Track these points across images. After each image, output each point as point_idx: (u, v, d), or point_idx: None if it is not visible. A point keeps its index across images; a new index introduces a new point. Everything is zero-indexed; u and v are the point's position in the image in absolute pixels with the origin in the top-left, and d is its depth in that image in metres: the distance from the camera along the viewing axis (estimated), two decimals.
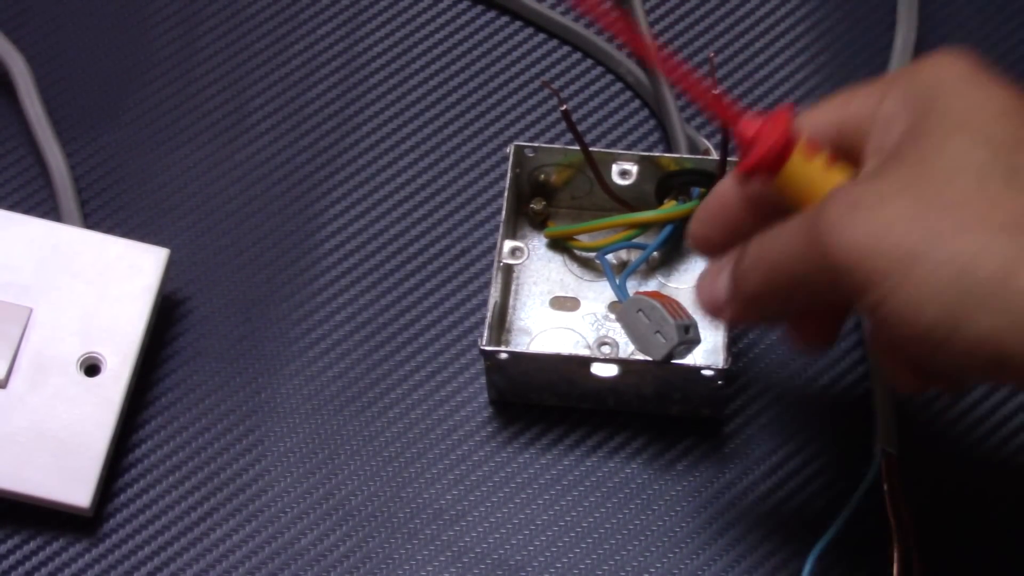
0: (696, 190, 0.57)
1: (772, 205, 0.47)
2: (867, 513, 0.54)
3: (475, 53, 0.65)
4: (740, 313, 0.48)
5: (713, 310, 0.48)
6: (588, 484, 0.56)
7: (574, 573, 0.55)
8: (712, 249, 0.50)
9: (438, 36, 0.65)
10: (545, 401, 0.57)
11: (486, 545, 0.55)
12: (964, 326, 0.41)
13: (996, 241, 0.41)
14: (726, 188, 0.49)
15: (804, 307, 0.47)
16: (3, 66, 0.63)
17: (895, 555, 0.52)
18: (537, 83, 0.64)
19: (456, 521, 0.56)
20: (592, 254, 0.59)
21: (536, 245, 0.60)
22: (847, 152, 0.46)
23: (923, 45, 0.64)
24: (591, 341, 0.57)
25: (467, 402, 0.58)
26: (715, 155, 0.59)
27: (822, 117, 0.46)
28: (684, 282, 0.58)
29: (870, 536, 0.54)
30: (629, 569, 0.55)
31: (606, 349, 0.57)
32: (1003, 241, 0.41)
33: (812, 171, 0.45)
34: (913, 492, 0.53)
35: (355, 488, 0.57)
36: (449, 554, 0.55)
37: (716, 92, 0.48)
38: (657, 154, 0.57)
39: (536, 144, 0.58)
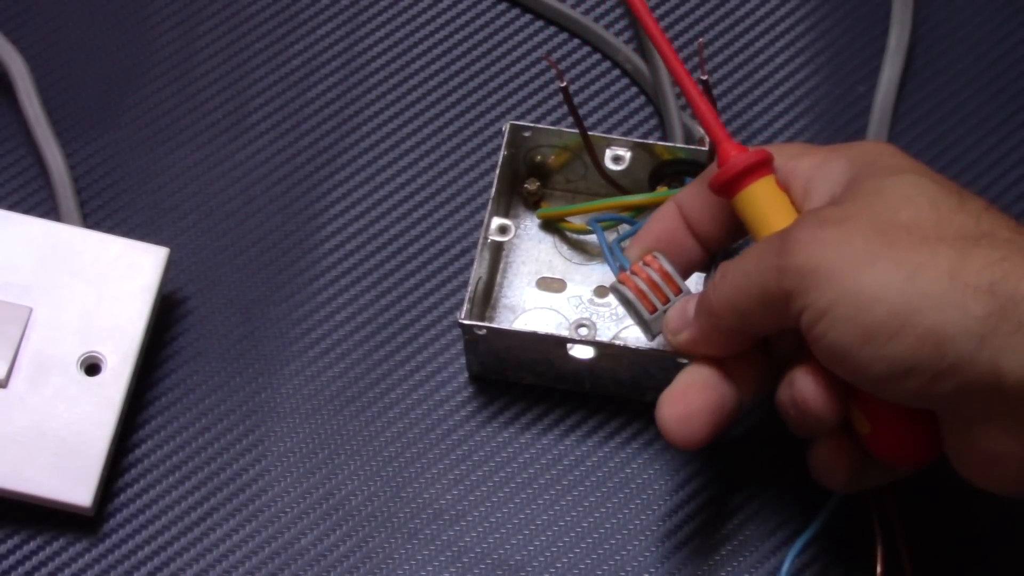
0: (688, 179, 0.57)
1: (707, 229, 0.53)
2: (851, 506, 0.54)
3: (478, 51, 0.65)
4: (702, 327, 0.50)
5: (677, 328, 0.51)
6: (588, 484, 0.56)
7: (574, 573, 0.55)
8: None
9: (439, 36, 0.65)
10: (524, 380, 0.57)
11: (486, 545, 0.55)
12: (912, 321, 0.44)
13: (946, 250, 0.44)
14: (667, 211, 0.53)
15: (757, 328, 0.49)
16: (3, 66, 0.62)
17: (879, 548, 0.52)
18: (539, 66, 0.64)
19: (456, 521, 0.56)
20: (583, 236, 0.59)
21: (528, 225, 0.60)
22: None
23: (919, 47, 0.64)
24: (570, 323, 0.58)
25: (468, 402, 0.58)
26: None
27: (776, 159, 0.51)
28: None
29: (855, 529, 0.54)
30: (629, 569, 0.55)
31: (583, 331, 0.57)
32: (952, 251, 0.44)
33: (775, 201, 0.50)
34: (897, 484, 0.53)
35: (355, 488, 0.57)
36: (449, 554, 0.55)
37: (704, 78, 0.52)
38: (651, 141, 0.58)
39: (532, 124, 0.58)
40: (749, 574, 0.55)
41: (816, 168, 0.49)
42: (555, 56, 0.65)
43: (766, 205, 0.50)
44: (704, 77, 0.54)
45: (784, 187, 0.50)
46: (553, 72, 0.63)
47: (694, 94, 0.51)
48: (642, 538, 0.55)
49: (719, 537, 0.55)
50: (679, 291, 0.52)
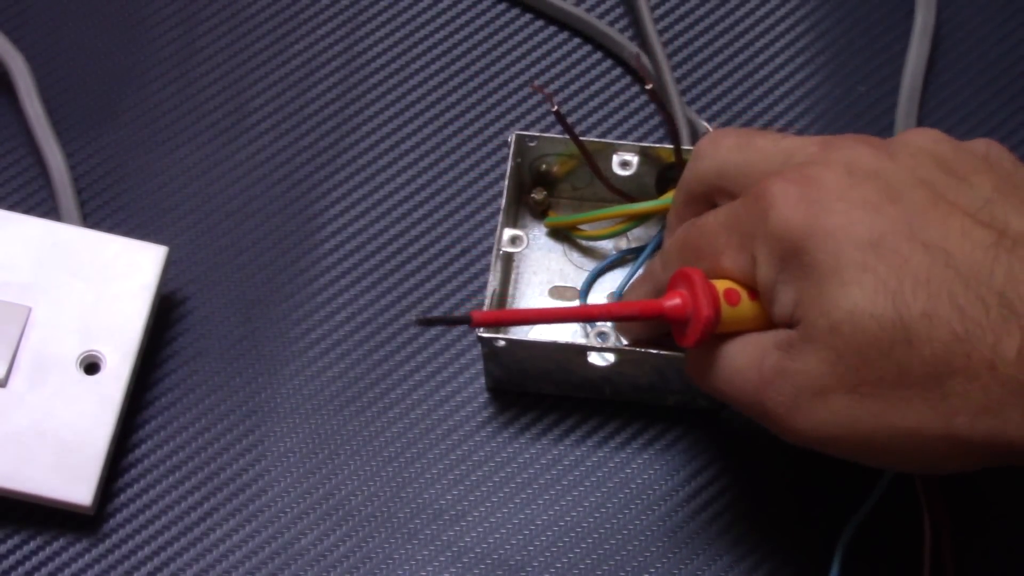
0: None
1: None
2: (897, 491, 0.54)
3: (478, 51, 0.65)
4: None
5: (631, 329, 0.55)
6: (589, 484, 0.56)
7: (574, 573, 0.55)
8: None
9: (439, 35, 0.65)
10: (543, 390, 0.57)
11: (486, 545, 0.55)
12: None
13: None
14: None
15: None
16: (3, 66, 0.63)
17: (926, 532, 0.52)
18: (539, 66, 0.64)
19: (456, 521, 0.56)
20: (593, 243, 0.59)
21: (537, 235, 0.60)
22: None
23: (939, 44, 0.64)
24: (589, 330, 0.57)
25: (467, 402, 0.58)
26: None
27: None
28: None
29: (901, 514, 0.54)
30: (629, 569, 0.55)
31: (602, 338, 0.57)
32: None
33: (741, 313, 0.49)
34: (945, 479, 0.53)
35: (355, 488, 0.56)
36: (449, 554, 0.55)
37: (649, 87, 0.53)
38: (657, 145, 0.57)
39: (537, 134, 0.58)
40: (750, 573, 0.55)
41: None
42: (558, 57, 0.65)
43: (740, 318, 0.49)
44: (649, 86, 0.55)
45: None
46: (555, 69, 0.63)
47: (599, 311, 0.51)
48: (642, 538, 0.55)
49: (720, 537, 0.55)
50: None
